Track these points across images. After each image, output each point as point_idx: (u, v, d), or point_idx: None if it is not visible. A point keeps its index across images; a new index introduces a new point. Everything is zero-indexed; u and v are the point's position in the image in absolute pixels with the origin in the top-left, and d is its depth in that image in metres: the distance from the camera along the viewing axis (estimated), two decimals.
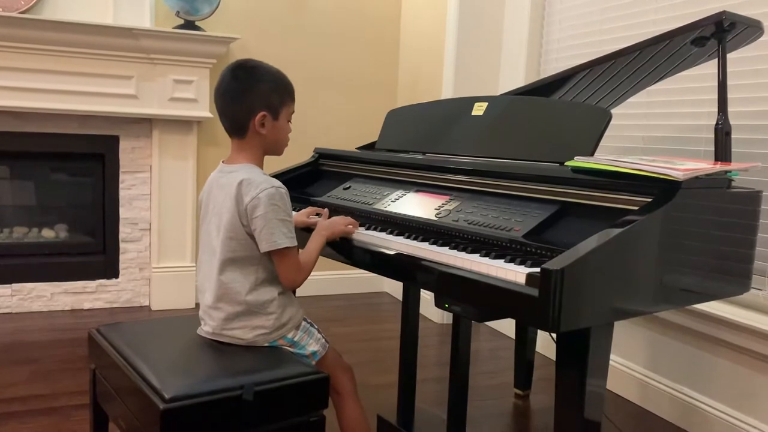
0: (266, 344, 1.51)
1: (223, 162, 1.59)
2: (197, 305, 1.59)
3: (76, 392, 2.27)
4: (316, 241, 1.59)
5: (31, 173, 3.27)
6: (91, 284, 3.25)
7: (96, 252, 3.29)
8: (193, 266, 3.34)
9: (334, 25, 3.62)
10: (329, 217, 1.69)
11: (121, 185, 3.25)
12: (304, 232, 1.68)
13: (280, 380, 1.38)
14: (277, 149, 1.60)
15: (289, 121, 1.60)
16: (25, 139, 3.06)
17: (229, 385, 1.32)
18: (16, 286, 3.13)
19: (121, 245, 3.28)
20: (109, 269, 3.29)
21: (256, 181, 1.47)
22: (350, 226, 1.62)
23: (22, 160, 3.19)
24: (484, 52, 3.23)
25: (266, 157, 1.60)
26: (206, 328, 1.55)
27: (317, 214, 1.77)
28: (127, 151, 3.24)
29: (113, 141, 3.21)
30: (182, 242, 3.35)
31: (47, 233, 3.29)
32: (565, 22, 2.91)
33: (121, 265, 3.29)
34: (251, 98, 1.52)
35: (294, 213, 1.77)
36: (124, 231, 3.27)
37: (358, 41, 3.69)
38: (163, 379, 1.32)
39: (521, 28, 3.08)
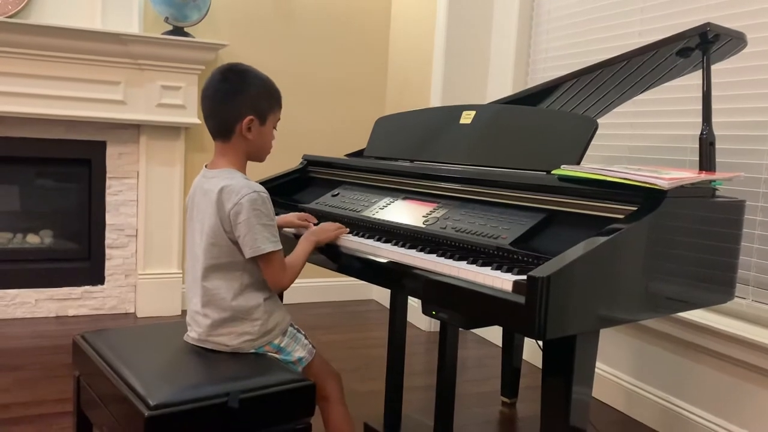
0: (252, 350, 1.51)
1: (206, 166, 1.58)
2: (183, 312, 1.58)
3: (59, 399, 2.24)
4: (304, 245, 1.59)
5: (17, 178, 3.24)
6: (76, 291, 3.22)
7: (81, 258, 3.26)
8: (179, 273, 3.33)
9: (323, 33, 3.62)
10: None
11: (107, 191, 3.22)
12: (294, 238, 1.68)
13: (266, 387, 1.37)
14: (260, 155, 1.60)
15: (275, 128, 1.60)
16: (10, 144, 3.04)
17: (214, 393, 1.32)
18: None
19: (107, 251, 3.25)
20: (95, 276, 3.26)
21: (237, 187, 1.46)
22: (339, 231, 1.62)
23: (7, 165, 3.15)
24: (473, 61, 3.25)
25: (253, 164, 1.59)
26: (192, 334, 1.54)
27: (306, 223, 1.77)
28: (114, 156, 3.22)
29: (100, 146, 3.19)
30: (168, 249, 3.33)
31: (32, 239, 3.25)
32: (552, 33, 2.94)
33: (107, 272, 3.27)
34: (240, 101, 1.51)
35: (285, 215, 1.77)
36: (110, 237, 3.25)
37: (347, 49, 3.70)
38: (148, 386, 1.31)
39: (509, 38, 3.11)
